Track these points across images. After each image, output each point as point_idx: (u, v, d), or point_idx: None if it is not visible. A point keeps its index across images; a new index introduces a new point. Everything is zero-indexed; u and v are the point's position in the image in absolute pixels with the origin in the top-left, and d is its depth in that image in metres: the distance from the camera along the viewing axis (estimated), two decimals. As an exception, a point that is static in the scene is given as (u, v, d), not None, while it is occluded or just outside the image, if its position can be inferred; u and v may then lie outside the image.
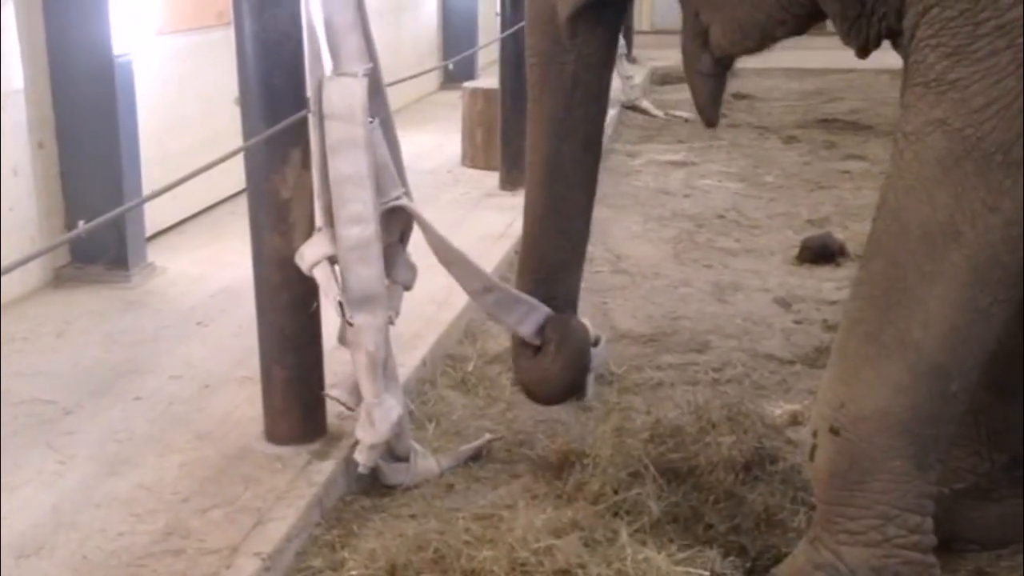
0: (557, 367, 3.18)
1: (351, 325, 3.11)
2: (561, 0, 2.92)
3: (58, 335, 4.24)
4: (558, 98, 3.05)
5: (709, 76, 2.90)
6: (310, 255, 3.12)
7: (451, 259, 3.26)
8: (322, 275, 3.12)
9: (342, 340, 3.22)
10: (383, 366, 3.16)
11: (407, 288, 3.34)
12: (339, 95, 3.03)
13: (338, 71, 3.06)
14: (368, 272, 3.10)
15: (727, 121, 9.76)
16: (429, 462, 3.30)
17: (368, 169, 3.05)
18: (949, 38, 2.21)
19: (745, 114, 10.16)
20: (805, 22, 2.65)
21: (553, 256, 3.20)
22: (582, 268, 3.33)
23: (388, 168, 3.16)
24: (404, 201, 3.20)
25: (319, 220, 3.17)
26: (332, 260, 3.11)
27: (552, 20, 2.96)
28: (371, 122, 3.05)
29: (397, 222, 3.25)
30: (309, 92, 3.12)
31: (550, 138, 3.08)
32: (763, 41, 2.73)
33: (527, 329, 3.19)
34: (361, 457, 3.15)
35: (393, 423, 3.13)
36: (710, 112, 3.03)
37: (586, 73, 3.02)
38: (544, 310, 3.18)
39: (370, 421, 3.12)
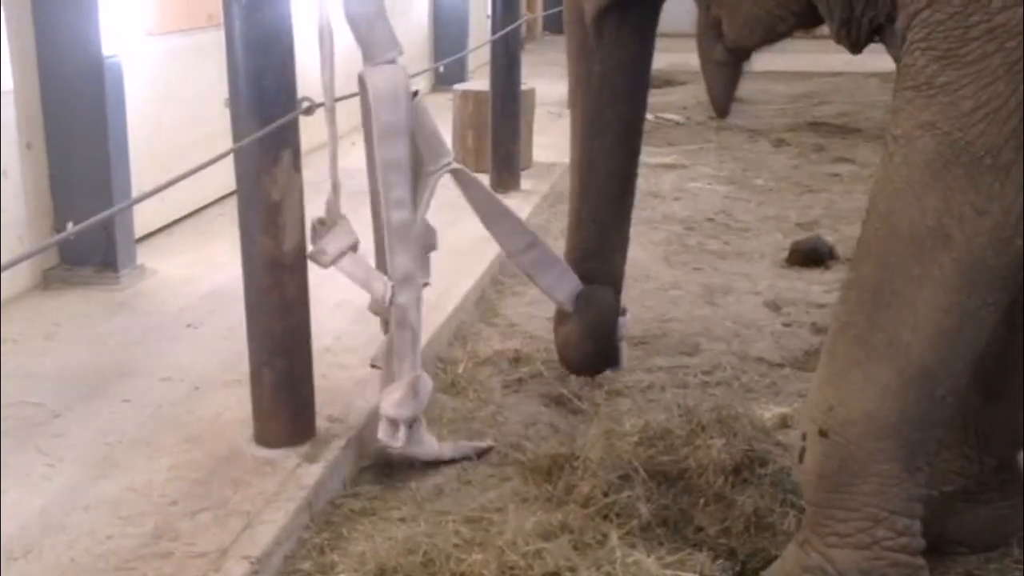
0: (576, 335, 3.49)
1: (391, 305, 3.17)
2: (588, 1, 3.02)
3: (47, 337, 4.22)
4: (588, 98, 3.23)
5: (723, 65, 2.94)
6: (333, 248, 3.15)
7: (496, 216, 3.42)
8: (351, 265, 3.17)
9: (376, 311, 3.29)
10: (419, 344, 3.27)
11: (432, 250, 3.39)
12: (384, 82, 3.08)
13: (373, 61, 3.10)
14: (409, 253, 3.18)
15: (717, 124, 9.79)
16: (431, 439, 3.34)
17: (407, 154, 3.13)
18: (939, 41, 2.22)
19: (735, 117, 10.14)
20: (806, 20, 2.66)
21: (590, 240, 3.52)
22: (624, 251, 3.63)
23: (436, 135, 3.26)
24: (456, 164, 3.31)
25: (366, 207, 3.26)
26: (354, 248, 3.18)
27: (582, 22, 3.08)
28: (415, 96, 3.13)
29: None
30: (321, 90, 3.13)
31: (584, 135, 3.33)
32: (767, 36, 2.77)
33: (560, 294, 3.49)
34: (401, 435, 3.20)
35: (427, 393, 3.27)
36: (723, 102, 3.12)
37: (614, 75, 3.17)
38: (576, 279, 3.47)
39: (414, 393, 3.19)
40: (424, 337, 4.10)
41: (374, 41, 3.08)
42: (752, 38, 2.78)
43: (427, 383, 3.27)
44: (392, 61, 3.10)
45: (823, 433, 2.45)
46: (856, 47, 2.55)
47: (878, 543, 2.42)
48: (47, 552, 2.76)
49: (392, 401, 3.18)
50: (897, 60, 2.55)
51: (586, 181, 3.44)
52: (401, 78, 3.09)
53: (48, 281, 4.77)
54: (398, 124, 3.09)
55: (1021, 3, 2.12)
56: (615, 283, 3.61)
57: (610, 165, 3.40)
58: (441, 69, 9.95)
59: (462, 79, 9.75)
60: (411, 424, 3.22)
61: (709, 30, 2.87)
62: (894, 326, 2.33)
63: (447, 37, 11.37)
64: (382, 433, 3.22)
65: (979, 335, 2.35)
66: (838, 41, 2.57)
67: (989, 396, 2.84)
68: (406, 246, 3.17)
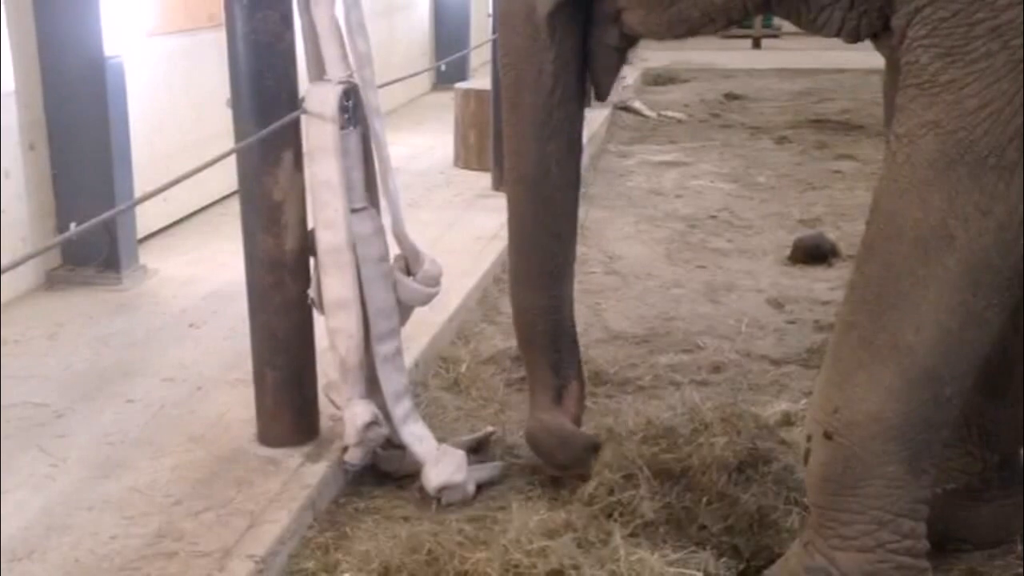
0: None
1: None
2: None
3: (50, 337, 4.22)
4: (539, 99, 2.96)
5: (615, 50, 2.89)
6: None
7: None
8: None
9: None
10: (358, 371, 3.18)
11: (412, 305, 3.35)
12: (317, 100, 3.08)
13: (321, 77, 3.12)
14: (340, 278, 3.13)
15: (719, 122, 9.80)
16: (426, 446, 3.25)
17: (340, 176, 3.08)
18: (943, 39, 2.20)
19: (737, 115, 10.18)
20: (729, 23, 2.67)
21: (548, 261, 3.14)
22: (574, 270, 3.29)
23: (357, 178, 3.17)
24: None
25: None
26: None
27: (529, 18, 2.89)
28: (344, 130, 3.07)
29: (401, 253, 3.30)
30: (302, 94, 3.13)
31: (534, 141, 3.00)
32: (686, 35, 2.74)
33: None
34: (346, 455, 3.20)
35: (359, 428, 3.14)
36: (605, 84, 3.01)
37: (566, 71, 2.94)
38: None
39: (352, 425, 3.16)
40: (426, 336, 4.13)
41: (326, 58, 3.09)
42: (672, 33, 2.73)
43: (356, 418, 3.14)
44: (331, 81, 3.08)
45: (828, 435, 2.44)
46: (853, 35, 2.53)
47: (883, 546, 2.41)
48: (51, 552, 2.76)
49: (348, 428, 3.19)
50: (888, 57, 2.55)
51: (539, 192, 3.06)
52: (332, 99, 3.05)
53: (51, 281, 4.78)
54: (326, 144, 3.07)
55: (1025, 0, 2.12)
56: (570, 306, 3.23)
57: (565, 173, 3.06)
58: (442, 68, 9.94)
59: (464, 78, 9.75)
60: (369, 445, 3.21)
61: (608, 15, 2.82)
62: (898, 327, 2.32)
63: (448, 36, 11.37)
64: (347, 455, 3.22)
65: (984, 336, 2.33)
66: (813, 31, 2.55)
67: (991, 394, 2.84)
68: (337, 270, 3.12)
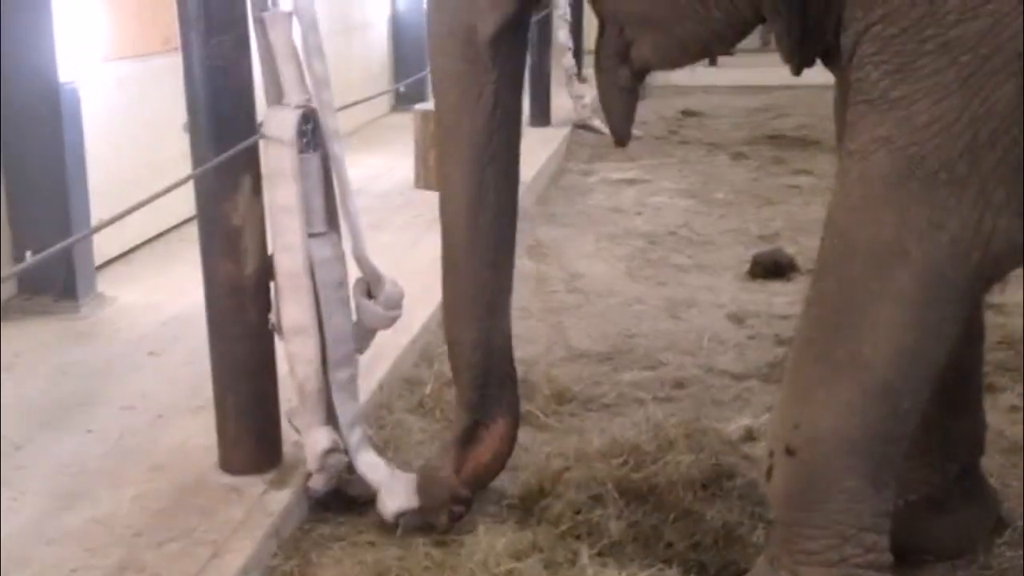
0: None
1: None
2: (482, 19, 2.79)
3: (6, 368, 4.15)
4: (478, 122, 2.89)
5: (626, 90, 2.87)
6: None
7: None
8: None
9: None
10: (317, 397, 3.17)
11: (375, 329, 3.33)
12: (276, 124, 3.07)
13: (280, 101, 3.11)
14: (298, 302, 3.12)
15: (677, 138, 9.86)
16: (379, 474, 3.21)
17: (299, 200, 3.07)
18: (892, 55, 2.23)
19: (694, 131, 10.25)
20: (741, 37, 2.67)
21: (481, 293, 3.03)
22: (510, 302, 3.16)
23: (317, 202, 3.14)
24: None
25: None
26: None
27: (468, 40, 2.83)
28: (304, 154, 3.06)
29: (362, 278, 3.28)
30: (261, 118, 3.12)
31: (472, 165, 2.92)
32: (701, 56, 2.74)
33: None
34: (310, 481, 3.19)
35: (318, 455, 3.12)
36: (624, 128, 2.96)
37: (507, 93, 2.90)
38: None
39: (312, 454, 3.14)
40: (390, 359, 4.11)
41: (284, 82, 3.08)
42: (681, 60, 2.72)
43: (315, 445, 3.13)
44: (290, 106, 3.07)
45: (790, 451, 2.45)
46: (801, 68, 2.57)
47: (846, 560, 2.42)
48: (10, 587, 2.72)
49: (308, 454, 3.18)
50: (838, 75, 2.58)
51: (476, 219, 2.95)
52: (291, 123, 3.04)
53: (7, 311, 4.71)
54: (285, 168, 3.06)
55: (974, 17, 2.14)
56: (506, 339, 3.13)
57: (503, 199, 2.97)
58: (401, 89, 9.94)
59: (423, 99, 9.74)
60: (331, 471, 3.18)
61: (615, 55, 2.80)
62: (855, 343, 2.34)
63: (407, 56, 11.34)
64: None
65: (940, 349, 2.36)
66: (787, 60, 2.57)
67: (949, 405, 2.87)
68: (295, 294, 3.11)
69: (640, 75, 2.84)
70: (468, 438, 3.12)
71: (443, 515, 3.05)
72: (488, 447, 3.13)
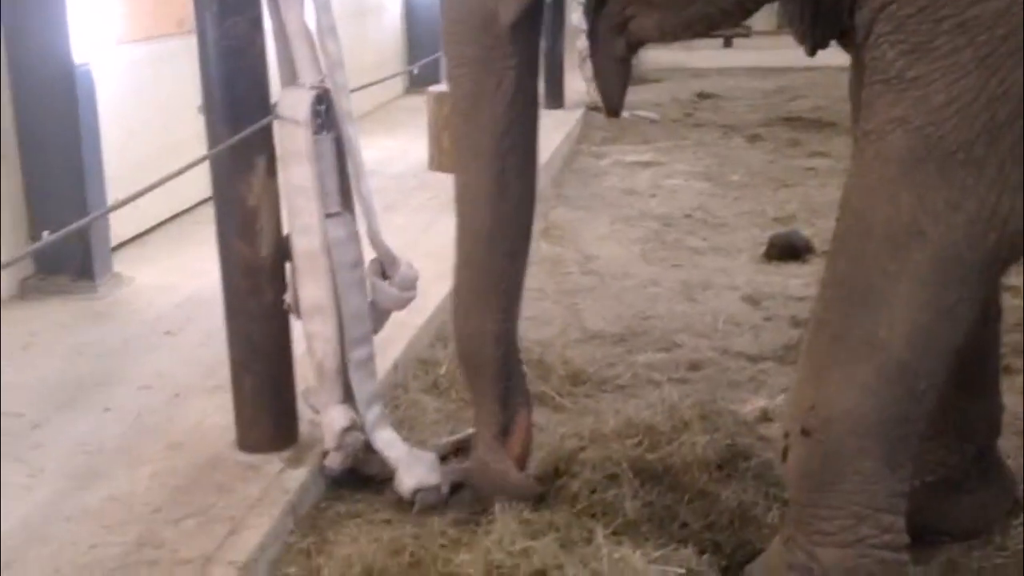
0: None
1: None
2: (503, 4, 2.73)
3: (24, 347, 4.19)
4: (498, 110, 2.82)
5: (621, 61, 2.82)
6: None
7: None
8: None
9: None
10: (335, 376, 3.18)
11: (389, 310, 3.33)
12: (290, 105, 3.08)
13: (294, 81, 3.11)
14: (316, 282, 3.13)
15: (692, 121, 9.83)
16: (396, 451, 3.23)
17: (314, 181, 3.07)
18: (908, 35, 2.21)
19: (710, 113, 10.22)
20: (747, 15, 2.63)
21: (500, 283, 2.97)
22: (522, 291, 3.10)
23: (331, 183, 3.15)
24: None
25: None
26: None
27: (486, 26, 2.77)
28: (318, 135, 3.06)
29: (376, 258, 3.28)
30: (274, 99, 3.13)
31: (492, 154, 2.85)
32: (706, 32, 2.70)
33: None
34: (326, 459, 3.20)
35: (336, 433, 3.14)
36: (617, 98, 2.90)
37: (526, 79, 2.84)
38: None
39: (330, 432, 3.17)
40: (405, 338, 4.12)
41: (298, 62, 3.09)
42: (685, 35, 2.69)
43: (333, 423, 3.15)
44: (304, 86, 3.08)
45: (805, 432, 2.45)
46: (815, 48, 2.55)
47: (862, 540, 2.42)
48: (30, 564, 2.74)
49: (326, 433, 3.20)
50: (854, 56, 2.56)
51: (496, 208, 2.88)
52: (305, 103, 3.04)
53: (24, 290, 4.74)
54: (299, 149, 3.07)
55: (990, -4, 2.13)
56: (516, 329, 3.08)
57: (523, 187, 2.91)
58: (415, 71, 9.93)
59: (437, 81, 9.73)
60: (348, 450, 3.20)
61: (614, 27, 2.75)
62: (871, 324, 2.33)
63: (420, 38, 11.33)
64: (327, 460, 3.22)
65: (957, 330, 2.34)
66: (801, 41, 2.55)
67: (965, 386, 2.86)
68: (312, 275, 3.12)
69: (635, 47, 2.81)
70: (503, 434, 3.07)
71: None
72: (517, 439, 3.09)
